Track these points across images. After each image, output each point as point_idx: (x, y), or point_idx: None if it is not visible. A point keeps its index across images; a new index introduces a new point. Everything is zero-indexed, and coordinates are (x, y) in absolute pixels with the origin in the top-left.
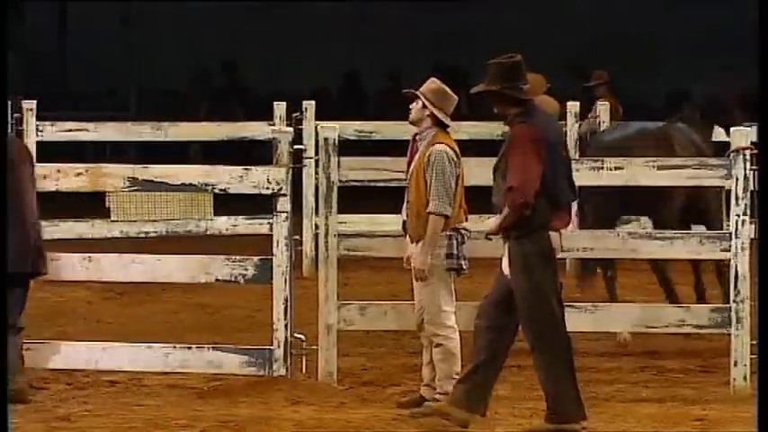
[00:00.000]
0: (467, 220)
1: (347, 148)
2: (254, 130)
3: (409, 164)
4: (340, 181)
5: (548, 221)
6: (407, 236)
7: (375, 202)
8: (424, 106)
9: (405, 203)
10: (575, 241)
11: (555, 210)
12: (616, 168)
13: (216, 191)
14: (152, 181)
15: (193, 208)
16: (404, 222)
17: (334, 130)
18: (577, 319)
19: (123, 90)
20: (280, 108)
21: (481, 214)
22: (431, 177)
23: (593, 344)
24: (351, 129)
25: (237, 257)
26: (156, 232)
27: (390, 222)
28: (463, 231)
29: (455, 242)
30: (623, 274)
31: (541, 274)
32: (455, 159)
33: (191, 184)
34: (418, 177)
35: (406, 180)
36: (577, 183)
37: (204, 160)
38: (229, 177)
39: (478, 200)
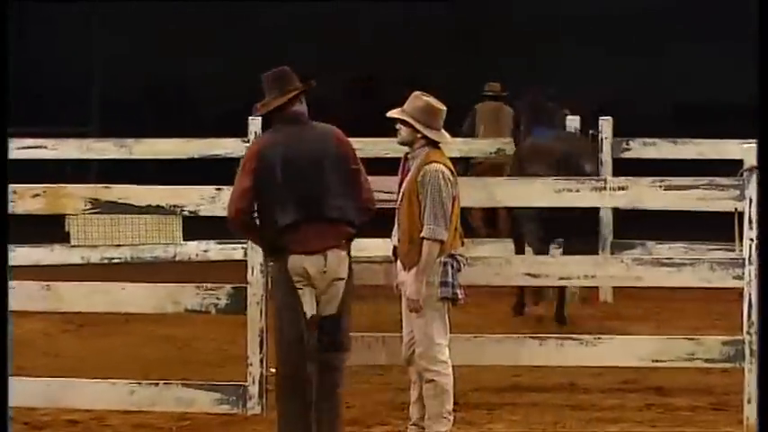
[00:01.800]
0: (463, 245)
1: None
2: (228, 146)
3: (400, 185)
4: None
5: (282, 245)
6: (398, 262)
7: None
8: (413, 128)
9: (395, 228)
10: (574, 267)
11: (290, 232)
12: (620, 189)
13: (185, 213)
14: (115, 202)
15: (161, 232)
16: (394, 248)
17: None
18: (577, 353)
19: (84, 103)
20: (255, 123)
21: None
22: (425, 199)
23: (595, 379)
24: None
25: (209, 286)
26: (120, 258)
27: (374, 247)
28: (459, 258)
29: (450, 269)
30: (626, 304)
31: (280, 299)
32: (451, 179)
33: (158, 206)
34: (411, 199)
35: (396, 202)
36: (579, 203)
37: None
38: (200, 198)
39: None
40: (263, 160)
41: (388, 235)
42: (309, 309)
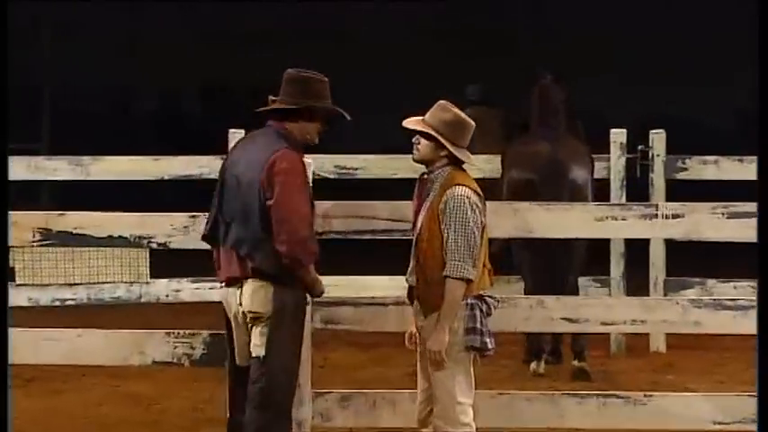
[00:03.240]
0: (492, 284)
1: (324, 189)
2: (205, 165)
3: (416, 212)
4: (316, 233)
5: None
6: (414, 305)
7: (361, 260)
8: (437, 143)
9: (411, 264)
10: (621, 311)
11: (222, 257)
12: (674, 216)
13: (153, 245)
14: (70, 233)
15: (124, 268)
16: (410, 289)
17: (309, 166)
18: (624, 413)
19: (34, 117)
20: (237, 137)
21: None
22: (448, 230)
23: None
24: (330, 164)
25: (181, 332)
26: (75, 299)
27: (380, 286)
28: (489, 299)
29: (478, 313)
30: (682, 354)
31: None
32: (479, 205)
33: (120, 237)
34: (431, 230)
35: (412, 233)
36: (625, 234)
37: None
38: (171, 228)
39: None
40: (223, 177)
41: (397, 271)
42: (240, 353)
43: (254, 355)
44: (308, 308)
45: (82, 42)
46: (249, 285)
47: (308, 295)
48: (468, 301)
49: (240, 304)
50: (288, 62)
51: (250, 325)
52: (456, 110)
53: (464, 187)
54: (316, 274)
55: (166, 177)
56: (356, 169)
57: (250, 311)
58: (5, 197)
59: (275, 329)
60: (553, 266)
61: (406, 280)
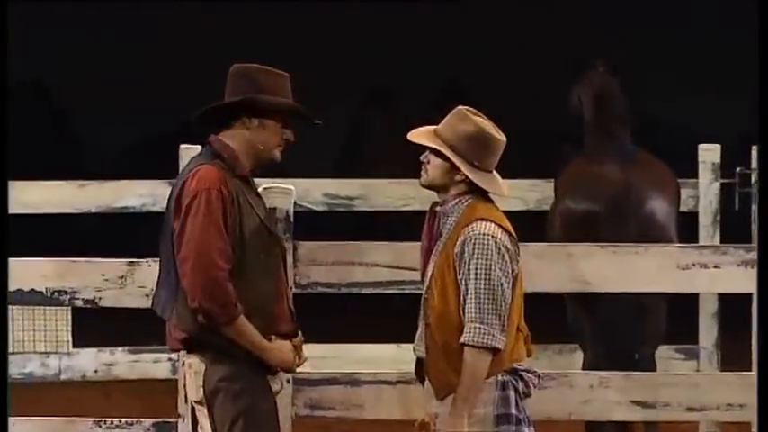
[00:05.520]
0: (531, 354)
1: (310, 224)
2: (146, 194)
3: (425, 256)
4: (298, 285)
5: None
6: (425, 384)
7: (355, 321)
8: (452, 163)
9: (420, 328)
10: (713, 391)
11: None
12: None
13: (78, 303)
14: None
15: (37, 333)
16: (419, 361)
17: (288, 194)
18: None
19: None
20: (189, 152)
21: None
22: (467, 281)
23: None
24: (317, 191)
25: (115, 420)
26: None
27: (383, 358)
28: (526, 375)
29: (512, 394)
30: None
31: None
32: (509, 248)
33: (33, 292)
34: (444, 281)
35: (421, 284)
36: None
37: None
38: (101, 278)
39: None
40: None
41: (404, 337)
42: None
43: None
44: (288, 388)
45: None
46: (185, 361)
47: (278, 371)
48: (499, 378)
49: (185, 385)
50: None
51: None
52: (479, 119)
53: (489, 223)
54: (259, 338)
55: (94, 210)
56: (353, 198)
57: (193, 400)
58: (5, 196)
59: (217, 424)
60: (621, 332)
61: (414, 350)
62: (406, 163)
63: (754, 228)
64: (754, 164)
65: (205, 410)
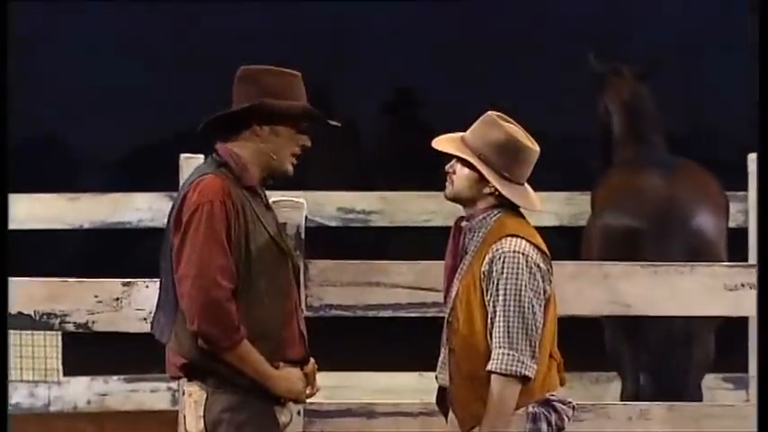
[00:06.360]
0: (564, 383)
1: (323, 241)
2: (144, 208)
3: (449, 276)
4: (310, 308)
5: None
6: (449, 416)
7: (373, 347)
8: (480, 174)
9: (442, 354)
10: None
11: None
12: None
13: (69, 327)
14: None
15: (25, 360)
16: (441, 390)
17: (299, 208)
18: None
19: None
20: (190, 162)
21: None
22: (495, 303)
23: None
24: (331, 205)
25: None
26: None
27: (403, 387)
28: (560, 406)
29: (545, 427)
30: None
31: None
32: (541, 266)
33: (20, 315)
34: (470, 304)
35: (444, 307)
36: None
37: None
38: (95, 300)
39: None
40: None
41: (426, 364)
42: None
43: None
44: (298, 420)
45: None
46: (185, 390)
47: (287, 401)
48: (530, 409)
49: (184, 415)
50: None
51: None
52: (510, 125)
53: (519, 239)
54: (264, 365)
55: (87, 225)
56: (369, 213)
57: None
58: (5, 197)
59: None
60: (665, 359)
61: (436, 378)
62: (428, 174)
63: None
64: None
65: None
